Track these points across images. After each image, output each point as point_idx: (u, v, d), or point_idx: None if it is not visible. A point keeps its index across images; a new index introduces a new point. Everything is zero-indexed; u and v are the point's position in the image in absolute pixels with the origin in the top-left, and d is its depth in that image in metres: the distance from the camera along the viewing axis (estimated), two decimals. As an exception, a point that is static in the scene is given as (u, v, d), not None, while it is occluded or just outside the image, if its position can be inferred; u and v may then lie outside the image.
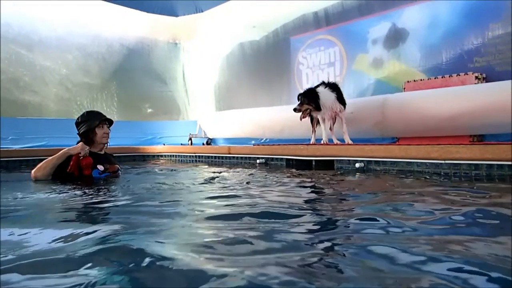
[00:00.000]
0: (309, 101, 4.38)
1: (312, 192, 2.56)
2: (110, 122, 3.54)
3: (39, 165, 3.19)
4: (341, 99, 4.50)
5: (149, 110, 8.95)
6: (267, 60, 7.82)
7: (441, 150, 3.12)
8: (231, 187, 2.70)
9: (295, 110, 4.42)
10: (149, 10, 8.11)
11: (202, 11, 8.29)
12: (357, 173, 3.48)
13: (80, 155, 3.18)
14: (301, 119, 4.51)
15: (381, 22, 5.94)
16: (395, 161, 3.46)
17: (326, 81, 4.70)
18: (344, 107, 4.54)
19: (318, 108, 4.36)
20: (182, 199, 2.29)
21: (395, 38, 5.78)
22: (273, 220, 1.53)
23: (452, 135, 4.38)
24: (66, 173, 3.14)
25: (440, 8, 5.22)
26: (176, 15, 8.50)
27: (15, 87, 6.77)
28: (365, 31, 6.15)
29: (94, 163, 3.26)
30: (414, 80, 5.09)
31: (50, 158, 3.21)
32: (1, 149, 5.87)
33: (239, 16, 7.84)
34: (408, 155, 3.34)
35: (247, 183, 2.88)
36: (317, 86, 4.58)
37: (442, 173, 3.08)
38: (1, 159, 5.38)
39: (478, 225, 1.44)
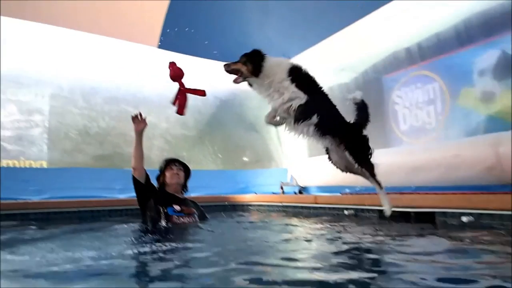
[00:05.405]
0: (247, 60, 2.99)
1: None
2: (180, 162, 3.80)
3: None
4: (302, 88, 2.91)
5: (244, 159, 9.11)
6: (358, 102, 7.43)
7: None
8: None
9: (224, 65, 3.08)
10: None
11: (289, 58, 8.40)
12: (463, 229, 2.86)
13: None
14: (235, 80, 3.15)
15: (487, 51, 5.20)
16: (515, 214, 2.79)
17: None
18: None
19: (255, 72, 2.94)
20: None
21: (507, 66, 5.00)
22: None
23: None
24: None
25: None
26: (265, 64, 8.72)
27: (123, 141, 7.52)
28: (469, 63, 5.44)
29: (170, 203, 3.45)
30: (537, 114, 4.24)
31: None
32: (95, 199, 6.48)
33: (326, 59, 7.72)
34: (533, 207, 2.66)
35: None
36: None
37: None
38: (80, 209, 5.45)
39: None
